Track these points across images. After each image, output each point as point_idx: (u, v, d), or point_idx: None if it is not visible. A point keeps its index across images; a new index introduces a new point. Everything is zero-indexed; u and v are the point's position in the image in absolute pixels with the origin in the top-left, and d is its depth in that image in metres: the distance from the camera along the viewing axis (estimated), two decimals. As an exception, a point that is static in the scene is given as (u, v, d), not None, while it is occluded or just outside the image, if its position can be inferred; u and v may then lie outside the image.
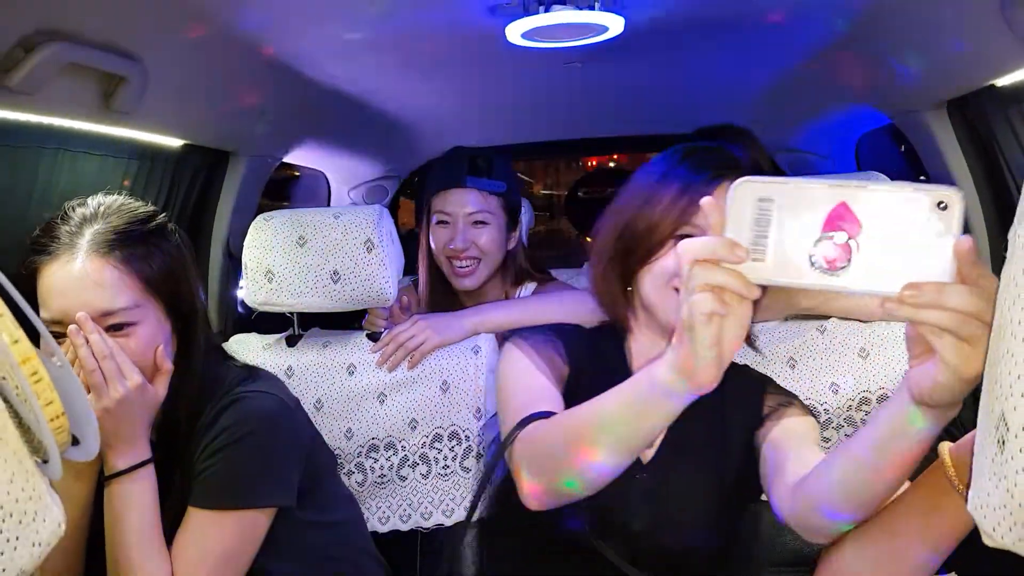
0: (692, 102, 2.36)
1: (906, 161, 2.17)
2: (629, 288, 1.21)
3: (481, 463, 1.57)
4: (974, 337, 0.61)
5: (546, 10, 1.41)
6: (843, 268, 0.65)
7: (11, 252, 1.20)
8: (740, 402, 1.21)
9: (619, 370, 1.24)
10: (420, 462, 1.59)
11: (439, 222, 1.84)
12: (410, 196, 3.40)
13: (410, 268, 1.80)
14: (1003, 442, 0.49)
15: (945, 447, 0.79)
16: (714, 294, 0.70)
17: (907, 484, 0.86)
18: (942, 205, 0.62)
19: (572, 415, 1.00)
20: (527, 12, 1.41)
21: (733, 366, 1.32)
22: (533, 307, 1.70)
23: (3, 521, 0.44)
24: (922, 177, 2.01)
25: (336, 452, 1.57)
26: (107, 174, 1.56)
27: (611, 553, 1.17)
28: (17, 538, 0.45)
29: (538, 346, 1.24)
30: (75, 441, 0.62)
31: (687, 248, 0.72)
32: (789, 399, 1.21)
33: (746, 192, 0.67)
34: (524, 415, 1.08)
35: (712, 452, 1.20)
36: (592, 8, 1.41)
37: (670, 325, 1.13)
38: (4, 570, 0.44)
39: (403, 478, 1.59)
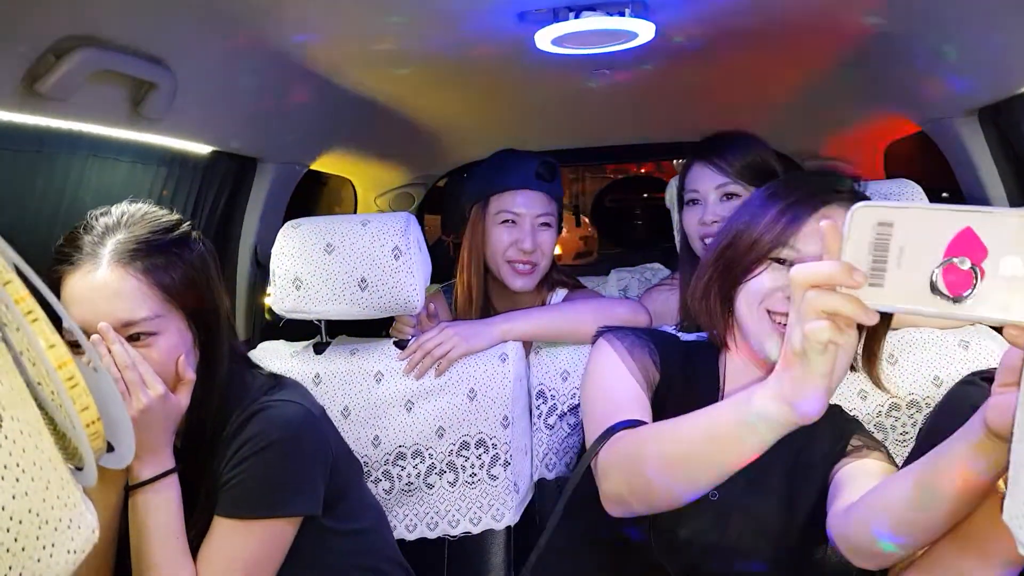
0: (721, 109, 2.34)
1: (935, 169, 2.13)
2: (729, 306, 1.20)
3: (508, 471, 1.56)
4: None
5: (576, 16, 1.40)
6: (967, 295, 0.63)
7: (44, 258, 1.20)
8: (828, 442, 1.19)
9: (710, 385, 1.24)
10: (447, 470, 1.58)
11: (504, 221, 1.82)
12: (433, 211, 3.39)
13: (436, 276, 1.79)
14: None
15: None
16: (831, 322, 0.68)
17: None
18: None
19: (661, 431, 0.99)
20: (557, 19, 1.40)
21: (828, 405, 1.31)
22: (561, 315, 1.69)
23: (39, 528, 0.43)
24: (945, 194, 1.97)
25: (363, 460, 1.57)
26: (136, 180, 1.57)
27: (670, 567, 1.16)
28: (53, 545, 0.44)
29: (633, 349, 1.24)
30: (109, 448, 0.61)
31: (802, 273, 0.69)
32: (877, 445, 1.18)
33: (865, 216, 0.65)
34: (612, 421, 1.08)
35: (790, 487, 1.18)
36: (622, 15, 1.40)
37: (760, 346, 1.13)
38: None
39: (430, 486, 1.58)
